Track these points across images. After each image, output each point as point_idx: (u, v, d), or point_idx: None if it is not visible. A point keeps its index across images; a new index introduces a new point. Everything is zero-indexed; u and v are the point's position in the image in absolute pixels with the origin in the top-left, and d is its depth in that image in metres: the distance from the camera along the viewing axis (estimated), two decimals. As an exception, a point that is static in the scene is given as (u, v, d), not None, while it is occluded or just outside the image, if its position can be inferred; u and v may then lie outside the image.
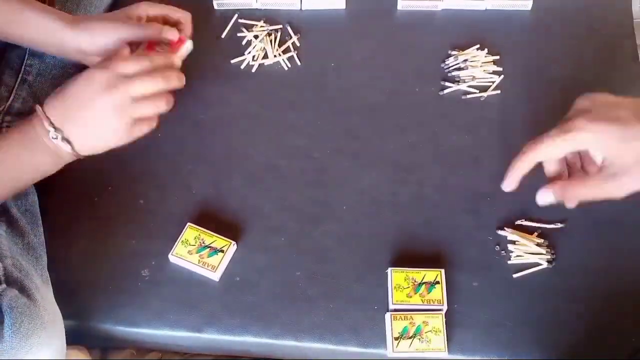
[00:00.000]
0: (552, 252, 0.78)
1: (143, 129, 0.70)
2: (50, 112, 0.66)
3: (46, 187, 0.82)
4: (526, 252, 0.77)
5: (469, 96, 0.91)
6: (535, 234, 0.79)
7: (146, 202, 0.81)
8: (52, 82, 0.95)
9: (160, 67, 0.70)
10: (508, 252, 0.78)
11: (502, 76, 0.93)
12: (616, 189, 0.63)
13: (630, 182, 0.62)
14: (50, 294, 0.69)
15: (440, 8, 1.00)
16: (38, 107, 0.67)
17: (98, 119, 0.67)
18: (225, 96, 0.92)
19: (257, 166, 0.86)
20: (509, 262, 0.77)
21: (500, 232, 0.79)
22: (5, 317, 0.60)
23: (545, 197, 0.68)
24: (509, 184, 0.69)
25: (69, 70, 0.97)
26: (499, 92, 0.92)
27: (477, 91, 0.91)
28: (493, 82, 0.92)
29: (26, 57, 0.94)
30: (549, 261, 0.77)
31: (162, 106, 0.70)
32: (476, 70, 0.93)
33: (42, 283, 0.69)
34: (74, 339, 0.71)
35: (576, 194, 0.66)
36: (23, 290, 0.64)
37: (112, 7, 1.00)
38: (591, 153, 0.65)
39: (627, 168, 0.61)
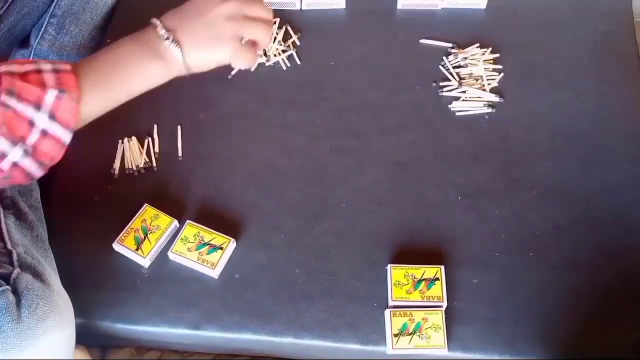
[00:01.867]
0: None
1: (246, 57, 0.69)
2: (165, 19, 0.67)
3: (47, 186, 0.83)
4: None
5: (467, 95, 0.91)
6: None
7: (146, 200, 0.81)
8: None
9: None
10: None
11: (501, 74, 0.93)
12: None
13: None
14: (59, 283, 0.70)
15: (440, 7, 1.00)
16: (154, 18, 0.67)
17: (210, 26, 0.66)
18: (225, 95, 0.93)
19: (257, 164, 0.86)
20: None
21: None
22: (22, 298, 0.61)
23: None
24: None
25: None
26: (498, 89, 0.92)
27: (477, 90, 0.91)
28: (493, 80, 0.92)
29: (31, 57, 0.95)
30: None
31: (266, 34, 0.70)
32: (476, 69, 0.93)
33: (52, 271, 0.70)
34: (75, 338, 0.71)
35: None
36: (36, 275, 0.65)
37: (110, 14, 1.02)
38: None
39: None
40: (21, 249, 0.68)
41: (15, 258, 0.66)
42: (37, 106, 0.58)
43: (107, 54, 0.66)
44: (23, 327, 0.59)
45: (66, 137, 0.61)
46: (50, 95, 0.59)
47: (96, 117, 0.65)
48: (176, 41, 0.65)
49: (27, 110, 0.58)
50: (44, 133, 0.59)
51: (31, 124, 0.58)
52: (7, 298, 0.60)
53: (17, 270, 0.64)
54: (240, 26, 0.68)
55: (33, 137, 0.59)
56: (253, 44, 0.70)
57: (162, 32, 0.65)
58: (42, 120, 0.59)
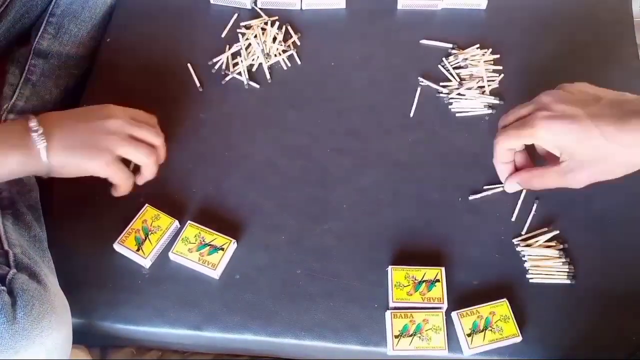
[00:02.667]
0: (571, 266, 0.77)
1: (121, 175, 0.69)
2: (44, 115, 0.66)
3: (47, 186, 0.82)
4: (548, 274, 0.77)
5: (468, 96, 0.91)
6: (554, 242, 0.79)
7: (146, 201, 0.81)
8: (56, 82, 0.96)
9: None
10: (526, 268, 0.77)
11: (502, 75, 0.93)
12: (574, 182, 0.68)
13: (586, 176, 0.67)
14: (57, 283, 0.70)
15: (440, 7, 1.00)
16: (31, 115, 0.66)
17: (87, 134, 0.66)
18: (225, 95, 0.92)
19: (258, 165, 0.86)
20: (530, 281, 0.76)
21: (518, 249, 0.78)
22: (17, 299, 0.61)
23: (512, 185, 0.75)
24: (508, 185, 0.76)
25: (73, 72, 0.98)
26: (499, 90, 0.92)
27: (477, 90, 0.91)
28: (493, 81, 0.92)
29: (31, 56, 0.95)
30: (569, 277, 0.76)
31: (147, 158, 0.71)
32: (476, 69, 0.93)
33: (49, 272, 0.70)
34: (73, 337, 0.71)
35: (539, 183, 0.72)
36: (33, 275, 0.65)
37: (109, 13, 1.01)
38: (547, 148, 0.69)
39: (581, 164, 0.66)
40: (18, 250, 0.68)
41: (11, 259, 0.66)
42: None
43: None
44: (18, 328, 0.59)
45: None
46: None
47: None
48: (45, 136, 0.63)
49: None
50: None
51: None
52: (2, 299, 0.60)
53: (13, 271, 0.63)
54: (120, 144, 0.67)
55: None
56: (136, 167, 0.70)
57: (32, 124, 0.63)
58: None
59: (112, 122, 0.67)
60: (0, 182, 0.67)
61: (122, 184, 0.70)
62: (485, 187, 0.82)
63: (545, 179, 0.70)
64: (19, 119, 0.66)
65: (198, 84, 0.93)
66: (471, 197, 0.81)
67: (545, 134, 0.66)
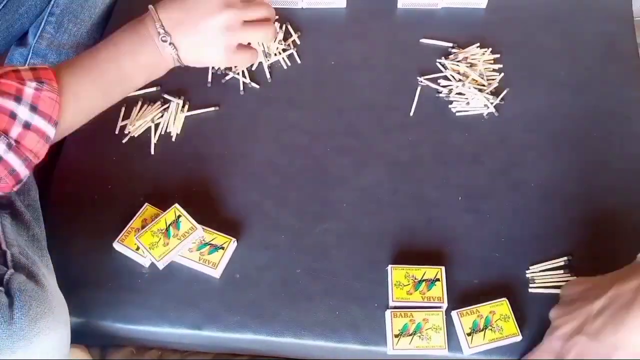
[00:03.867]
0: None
1: (244, 59, 0.73)
2: (163, 15, 0.68)
3: (46, 186, 0.83)
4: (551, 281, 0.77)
5: (467, 95, 0.91)
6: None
7: (146, 200, 0.81)
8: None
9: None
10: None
11: (502, 74, 0.93)
12: None
13: None
14: (55, 283, 0.70)
15: (440, 6, 1.00)
16: (152, 8, 0.69)
17: (208, 33, 0.69)
18: (225, 94, 0.92)
19: (258, 164, 0.86)
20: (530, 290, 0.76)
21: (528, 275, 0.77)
22: (15, 299, 0.60)
23: None
24: None
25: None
26: (499, 89, 0.92)
27: (477, 90, 0.91)
28: (493, 80, 0.92)
29: (30, 55, 0.95)
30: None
31: (266, 35, 0.73)
32: (476, 69, 0.93)
33: (47, 272, 0.69)
34: (73, 337, 0.71)
35: None
36: (30, 276, 0.64)
37: (109, 13, 1.01)
38: None
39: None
40: (16, 250, 0.67)
41: (9, 258, 0.66)
42: (18, 99, 0.59)
43: (100, 47, 0.68)
44: (15, 328, 0.59)
45: (50, 131, 0.62)
46: (30, 88, 0.60)
47: (87, 114, 0.68)
48: (172, 43, 0.68)
49: (7, 103, 0.59)
50: (27, 126, 0.60)
51: (13, 116, 0.59)
52: None
53: (10, 271, 0.63)
54: (236, 36, 0.71)
55: (15, 130, 0.59)
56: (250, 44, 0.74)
57: (160, 31, 0.68)
58: (23, 112, 0.59)
59: (223, 16, 0.69)
60: (141, 85, 0.72)
61: (246, 64, 0.77)
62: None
63: None
64: (139, 20, 0.70)
65: (210, 79, 0.93)
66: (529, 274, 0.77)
67: None
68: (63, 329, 0.65)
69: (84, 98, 0.66)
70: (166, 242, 0.75)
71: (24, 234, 0.72)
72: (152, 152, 0.87)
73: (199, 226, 0.76)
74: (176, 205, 0.77)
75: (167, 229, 0.76)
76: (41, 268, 0.68)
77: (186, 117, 0.90)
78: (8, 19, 0.94)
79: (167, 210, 0.77)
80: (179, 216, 0.76)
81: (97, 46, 0.69)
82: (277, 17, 0.97)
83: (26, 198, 0.76)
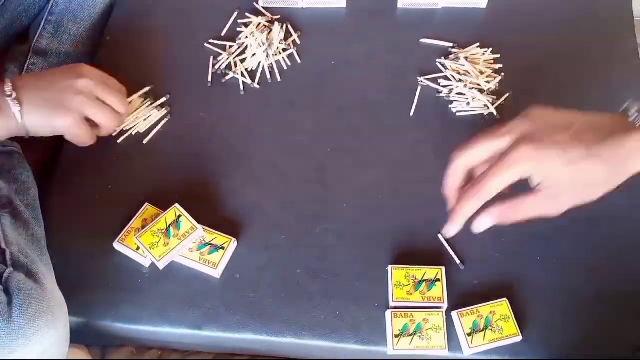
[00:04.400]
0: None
1: (86, 134, 0.74)
2: (19, 78, 0.70)
3: (46, 185, 0.82)
4: None
5: (468, 95, 0.91)
6: None
7: (146, 200, 0.81)
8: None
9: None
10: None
11: (502, 74, 0.93)
12: (554, 208, 0.65)
13: (569, 200, 0.64)
14: (54, 282, 0.70)
15: (440, 6, 1.00)
16: (8, 77, 0.71)
17: (57, 94, 0.70)
18: (225, 94, 0.92)
19: (258, 164, 0.86)
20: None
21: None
22: (13, 298, 0.60)
23: (483, 223, 0.67)
24: (456, 227, 0.68)
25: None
26: (499, 89, 0.92)
27: (477, 89, 0.91)
28: (494, 80, 0.92)
29: (30, 55, 0.95)
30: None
31: (110, 121, 0.76)
32: (476, 68, 0.93)
33: (47, 271, 0.69)
34: (73, 337, 0.71)
35: (516, 215, 0.66)
36: (30, 274, 0.64)
37: (109, 12, 1.01)
38: (536, 180, 0.64)
39: (563, 188, 0.63)
40: (15, 248, 0.67)
41: (8, 257, 0.66)
42: None
43: None
44: (14, 327, 0.59)
45: None
46: None
47: None
48: (18, 99, 0.68)
49: None
50: None
51: None
52: None
53: (9, 270, 0.63)
54: (87, 104, 0.72)
55: None
56: (95, 125, 0.74)
57: (7, 88, 0.68)
58: None
59: (82, 82, 0.71)
60: None
61: (83, 142, 0.75)
62: None
63: (523, 210, 0.65)
64: None
65: (210, 79, 0.93)
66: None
67: (534, 164, 0.62)
68: (62, 327, 0.65)
69: None
70: (166, 242, 0.75)
71: (23, 233, 0.72)
72: (145, 142, 0.87)
73: (199, 226, 0.76)
74: (176, 205, 0.77)
75: (168, 229, 0.76)
76: (40, 267, 0.68)
77: (186, 116, 0.90)
78: (7, 18, 0.94)
79: (168, 210, 0.77)
80: (179, 216, 0.76)
81: None
82: (276, 18, 0.98)
83: (26, 197, 0.76)
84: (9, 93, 0.68)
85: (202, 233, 0.76)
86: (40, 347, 0.61)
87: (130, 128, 0.88)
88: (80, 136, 0.74)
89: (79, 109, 0.71)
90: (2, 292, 0.61)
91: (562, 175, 0.62)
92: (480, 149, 0.68)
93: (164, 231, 0.75)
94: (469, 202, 0.66)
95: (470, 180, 0.68)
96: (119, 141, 0.87)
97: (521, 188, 0.65)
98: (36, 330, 0.61)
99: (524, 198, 0.65)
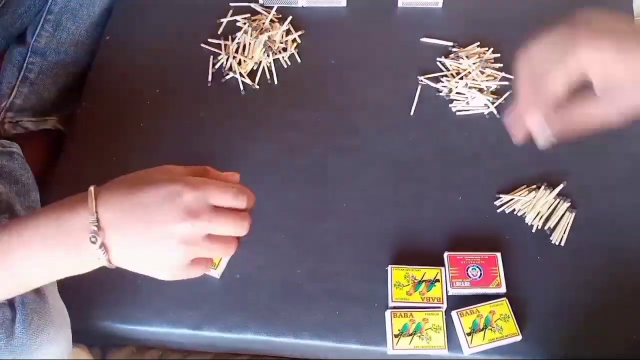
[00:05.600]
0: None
1: (196, 272, 0.55)
2: (102, 207, 0.51)
3: (46, 186, 0.82)
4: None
5: (468, 94, 0.91)
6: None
7: (146, 200, 0.81)
8: (55, 80, 0.95)
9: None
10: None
11: (502, 74, 0.93)
12: (615, 112, 0.58)
13: (630, 102, 0.57)
14: (56, 289, 0.69)
15: (440, 5, 1.00)
16: (91, 192, 0.52)
17: (155, 242, 0.51)
18: (225, 93, 0.92)
19: (257, 164, 0.86)
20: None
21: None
22: (17, 313, 0.60)
23: (541, 130, 0.59)
24: (519, 134, 0.60)
25: (72, 70, 0.97)
26: (499, 89, 0.92)
27: (477, 89, 0.91)
28: (494, 79, 0.92)
29: (28, 54, 0.95)
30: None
31: (230, 251, 0.56)
32: (476, 67, 0.93)
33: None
34: (74, 337, 0.71)
35: (573, 122, 0.60)
36: None
37: (108, 11, 1.01)
38: (591, 74, 0.58)
39: (620, 84, 0.56)
40: None
41: None
42: None
43: (14, 233, 0.51)
44: (17, 343, 0.59)
45: None
46: None
47: None
48: (104, 245, 0.51)
49: None
50: None
51: None
52: (3, 313, 0.59)
53: None
54: (197, 250, 0.53)
55: None
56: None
57: (92, 226, 0.50)
58: None
59: (184, 228, 0.51)
60: (49, 281, 0.57)
61: (198, 275, 0.57)
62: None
63: (581, 115, 0.59)
64: (70, 202, 0.52)
65: (210, 79, 0.93)
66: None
67: (594, 54, 0.55)
68: (64, 339, 0.65)
69: None
70: None
71: None
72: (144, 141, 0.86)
73: None
74: None
75: None
76: None
77: (186, 116, 0.90)
78: (7, 19, 0.94)
79: None
80: None
81: (13, 230, 0.52)
82: (278, 18, 0.98)
83: (26, 199, 0.76)
84: (94, 238, 0.50)
85: None
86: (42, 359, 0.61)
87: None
88: (185, 277, 0.56)
89: (183, 261, 0.53)
90: (7, 307, 0.59)
91: (616, 65, 0.55)
92: (539, 46, 0.60)
93: None
94: (532, 98, 0.59)
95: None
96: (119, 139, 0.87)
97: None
98: (38, 345, 0.60)
99: (580, 103, 0.59)
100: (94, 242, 0.50)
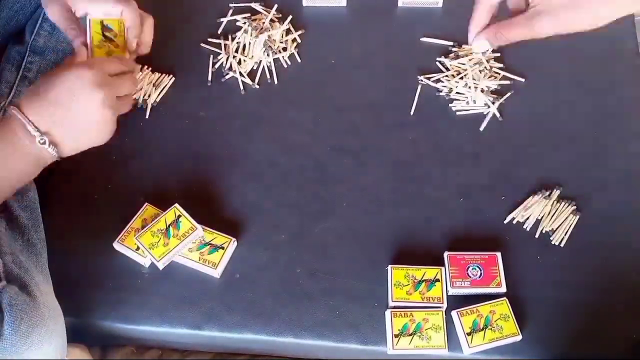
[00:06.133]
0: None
1: (122, 110, 0.72)
2: (33, 116, 0.65)
3: (46, 185, 0.82)
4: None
5: (468, 94, 0.91)
6: None
7: (146, 200, 0.81)
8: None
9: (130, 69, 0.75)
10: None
11: (502, 73, 0.93)
12: (540, 29, 0.66)
13: (553, 23, 0.65)
14: (51, 290, 0.69)
15: (440, 5, 1.00)
16: (16, 111, 0.65)
17: (87, 115, 0.67)
18: (224, 93, 0.92)
19: (257, 163, 0.86)
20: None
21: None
22: (5, 314, 0.60)
23: (480, 44, 0.71)
24: (476, 43, 0.72)
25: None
26: (499, 88, 0.92)
27: (477, 88, 0.91)
28: (494, 79, 0.92)
29: (27, 53, 0.94)
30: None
31: (130, 104, 0.74)
32: (477, 67, 0.93)
33: (42, 280, 0.69)
34: (73, 336, 0.71)
35: (507, 34, 0.69)
36: (23, 287, 0.64)
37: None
38: None
39: (551, 8, 0.64)
40: (9, 258, 0.66)
41: (1, 269, 0.64)
42: None
43: None
44: (6, 344, 0.59)
45: None
46: None
47: None
48: (52, 142, 0.65)
49: None
50: None
51: None
52: None
53: (3, 283, 0.62)
54: (115, 109, 0.69)
55: None
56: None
57: (35, 133, 0.64)
58: None
59: (99, 96, 0.66)
60: (13, 190, 0.68)
61: (127, 109, 0.74)
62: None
63: (512, 28, 0.68)
64: (3, 125, 0.65)
65: (210, 78, 0.93)
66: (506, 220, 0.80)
67: None
68: (56, 339, 0.65)
69: None
70: (166, 242, 0.75)
71: (18, 239, 0.71)
72: (144, 141, 0.86)
73: (198, 226, 0.76)
74: (176, 205, 0.77)
75: (167, 229, 0.76)
76: (35, 276, 0.67)
77: (186, 116, 0.90)
78: (3, 16, 0.94)
79: (167, 210, 0.77)
80: (179, 216, 0.76)
81: None
82: (278, 17, 0.98)
83: (24, 199, 0.76)
84: (42, 140, 0.65)
85: (202, 233, 0.76)
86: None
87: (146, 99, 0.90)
88: (123, 111, 0.73)
89: (112, 120, 0.69)
90: None
91: None
92: None
93: (163, 231, 0.75)
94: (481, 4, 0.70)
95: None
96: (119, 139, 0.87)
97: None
98: (29, 347, 0.60)
99: (514, 18, 0.68)
100: (42, 143, 0.64)
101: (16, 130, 0.65)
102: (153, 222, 0.76)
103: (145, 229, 0.76)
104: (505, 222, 0.80)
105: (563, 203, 0.81)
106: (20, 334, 0.60)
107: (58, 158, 0.68)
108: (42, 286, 0.67)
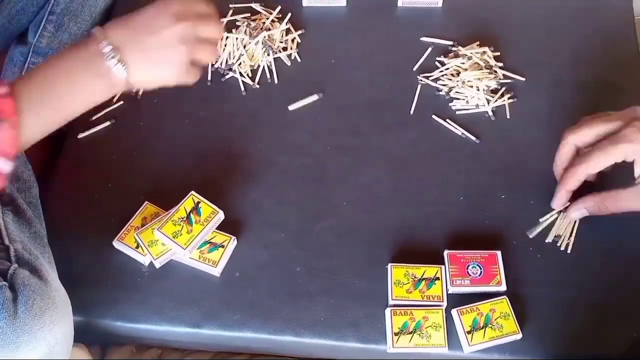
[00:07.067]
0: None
1: (195, 76, 0.68)
2: (110, 32, 0.62)
3: (47, 184, 0.83)
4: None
5: (468, 94, 0.91)
6: None
7: (146, 199, 0.81)
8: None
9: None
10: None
11: (502, 72, 0.93)
12: None
13: None
14: (57, 279, 0.70)
15: (440, 5, 1.00)
16: (97, 28, 0.63)
17: (161, 46, 0.64)
18: (224, 93, 0.92)
19: (257, 162, 0.86)
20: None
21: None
22: (18, 294, 0.61)
23: (578, 211, 0.75)
24: (561, 201, 0.74)
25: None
26: (499, 88, 0.92)
27: (476, 88, 0.91)
28: (494, 79, 0.92)
29: (30, 54, 0.95)
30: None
31: (213, 55, 0.69)
32: (476, 67, 0.93)
33: (50, 268, 0.70)
34: (73, 336, 0.71)
35: (613, 206, 0.70)
36: (34, 271, 0.65)
37: (109, 12, 1.01)
38: (636, 163, 0.67)
39: None
40: (19, 245, 0.68)
41: (12, 254, 0.66)
42: None
43: (46, 70, 0.62)
44: (19, 323, 0.60)
45: (7, 167, 0.59)
46: None
47: (38, 139, 0.62)
48: (122, 60, 0.62)
49: None
50: None
51: None
52: (3, 294, 0.60)
53: (14, 266, 0.64)
54: (192, 50, 0.66)
55: None
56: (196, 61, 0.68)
57: (106, 49, 0.62)
58: None
59: (180, 27, 0.64)
60: (86, 109, 0.65)
61: (193, 80, 0.69)
62: (541, 220, 0.79)
63: (620, 203, 0.68)
64: (81, 42, 0.63)
65: (209, 78, 0.93)
66: (531, 235, 0.79)
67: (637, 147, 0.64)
68: (67, 323, 0.65)
69: (42, 121, 0.61)
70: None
71: (25, 230, 0.72)
72: (144, 141, 0.86)
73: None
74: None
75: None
76: (44, 264, 0.68)
77: (186, 116, 0.90)
78: (5, 16, 0.94)
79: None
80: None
81: (48, 63, 0.63)
82: (278, 17, 0.98)
83: (27, 195, 0.77)
84: (112, 55, 0.61)
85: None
86: (44, 344, 0.62)
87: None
88: (188, 80, 0.68)
89: (185, 58, 0.65)
90: (8, 288, 0.61)
91: None
92: (590, 129, 0.70)
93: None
94: (573, 176, 0.70)
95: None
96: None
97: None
98: (41, 326, 0.61)
99: (620, 190, 0.68)
100: (112, 58, 0.61)
101: (88, 46, 0.62)
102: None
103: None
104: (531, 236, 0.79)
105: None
106: (34, 314, 0.60)
107: (130, 85, 0.64)
108: (51, 274, 0.68)
